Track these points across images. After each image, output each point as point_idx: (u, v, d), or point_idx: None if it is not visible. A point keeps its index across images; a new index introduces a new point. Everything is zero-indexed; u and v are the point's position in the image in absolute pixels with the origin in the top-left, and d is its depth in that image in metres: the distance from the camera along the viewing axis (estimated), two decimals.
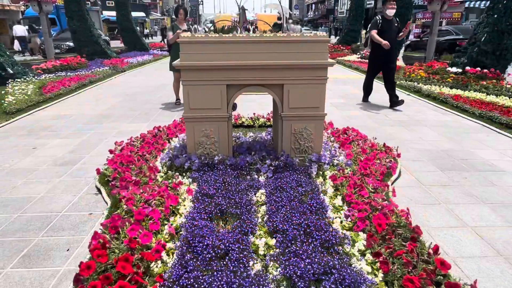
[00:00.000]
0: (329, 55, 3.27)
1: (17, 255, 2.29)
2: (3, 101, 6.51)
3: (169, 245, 2.19)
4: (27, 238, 2.47)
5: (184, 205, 2.68)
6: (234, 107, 5.92)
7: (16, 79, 8.50)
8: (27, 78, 8.72)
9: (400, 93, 7.82)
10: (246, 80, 3.16)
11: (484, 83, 7.47)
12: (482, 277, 2.08)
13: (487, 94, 6.83)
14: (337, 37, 21.42)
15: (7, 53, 9.12)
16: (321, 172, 3.25)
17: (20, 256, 2.27)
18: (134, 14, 22.68)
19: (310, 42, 3.06)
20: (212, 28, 3.70)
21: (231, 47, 3.03)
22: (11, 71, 8.73)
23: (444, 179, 3.41)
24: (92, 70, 10.59)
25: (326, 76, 3.18)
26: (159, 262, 2.04)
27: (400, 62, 12.22)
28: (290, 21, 17.54)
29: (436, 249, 2.06)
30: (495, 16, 8.05)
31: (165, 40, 6.51)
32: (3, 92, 7.39)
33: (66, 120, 5.60)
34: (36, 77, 9.12)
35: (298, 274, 1.84)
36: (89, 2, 25.01)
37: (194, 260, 1.96)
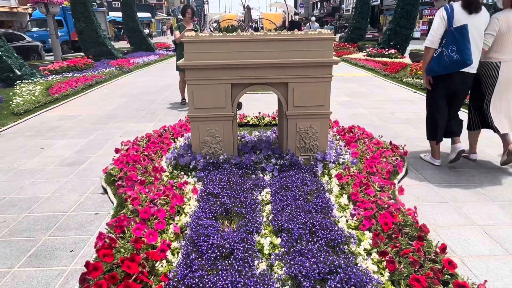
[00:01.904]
0: (334, 53, 3.25)
1: (24, 255, 2.31)
2: (11, 102, 6.58)
3: (174, 244, 2.19)
4: (34, 238, 2.49)
5: (189, 205, 2.68)
6: (240, 106, 5.92)
7: (23, 81, 8.59)
8: (35, 80, 8.81)
9: (407, 91, 7.78)
10: (251, 79, 3.15)
11: None
12: (490, 276, 2.05)
13: None
14: (343, 34, 21.44)
15: (15, 54, 9.22)
16: (326, 171, 3.24)
17: (27, 256, 2.30)
18: (140, 14, 22.79)
19: (315, 40, 3.04)
20: (217, 27, 3.70)
21: (235, 46, 3.03)
22: (19, 73, 8.82)
23: (452, 177, 3.37)
24: (99, 70, 10.66)
25: (331, 74, 3.16)
26: (164, 261, 2.04)
27: (406, 60, 12.12)
28: (313, 18, 17.40)
29: (443, 248, 2.04)
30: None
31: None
32: (11, 93, 7.47)
33: (73, 121, 5.64)
34: (43, 78, 9.20)
35: (303, 273, 1.83)
36: (95, 3, 25.18)
37: (199, 259, 1.96)
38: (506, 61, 3.27)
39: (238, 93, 3.21)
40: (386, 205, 2.48)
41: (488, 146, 4.17)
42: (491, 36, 3.23)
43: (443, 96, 3.41)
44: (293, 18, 16.81)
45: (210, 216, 2.43)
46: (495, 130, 3.42)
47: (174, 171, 3.29)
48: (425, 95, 3.68)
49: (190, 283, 1.78)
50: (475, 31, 3.14)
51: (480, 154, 3.92)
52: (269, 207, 2.66)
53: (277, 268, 1.98)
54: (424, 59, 3.39)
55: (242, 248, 2.04)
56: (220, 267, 1.90)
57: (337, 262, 1.88)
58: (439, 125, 3.48)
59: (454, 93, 3.39)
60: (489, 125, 3.46)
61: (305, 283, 1.79)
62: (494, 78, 3.31)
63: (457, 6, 3.15)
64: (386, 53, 13.12)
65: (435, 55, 3.26)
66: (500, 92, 3.34)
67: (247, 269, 1.88)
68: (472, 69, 3.24)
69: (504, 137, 3.44)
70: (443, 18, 3.16)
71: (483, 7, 3.17)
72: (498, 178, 3.33)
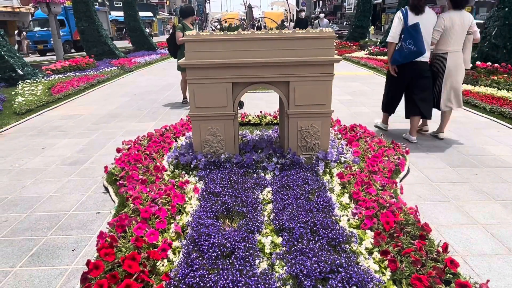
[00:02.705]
0: (336, 51, 3.24)
1: (26, 254, 2.31)
2: (13, 102, 6.60)
3: (175, 243, 2.19)
4: (36, 237, 2.50)
5: (191, 204, 2.68)
6: (241, 105, 5.91)
7: (26, 80, 8.61)
8: (37, 79, 8.83)
9: None
10: (252, 78, 3.15)
11: (495, 77, 7.33)
12: (493, 275, 2.04)
13: (498, 89, 6.70)
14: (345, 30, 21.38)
15: (17, 54, 9.24)
16: (328, 170, 3.23)
17: (29, 255, 2.30)
18: (142, 14, 22.79)
19: (316, 39, 3.03)
20: (218, 26, 3.70)
21: (236, 44, 3.02)
22: (21, 72, 8.85)
23: (454, 176, 3.36)
24: (100, 70, 10.68)
25: (333, 73, 3.15)
26: (165, 260, 2.04)
27: None
28: (322, 15, 17.28)
29: (445, 247, 2.03)
30: (506, 9, 7.89)
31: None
32: (13, 93, 7.49)
33: (74, 120, 5.65)
34: (45, 78, 9.22)
35: (305, 272, 1.82)
36: (97, 3, 25.21)
37: (200, 258, 1.96)
38: (451, 51, 4.09)
39: (239, 92, 3.20)
40: (387, 204, 2.47)
41: (490, 144, 4.16)
42: (438, 32, 4.04)
43: (403, 81, 4.25)
44: (299, 16, 16.58)
45: (211, 215, 2.42)
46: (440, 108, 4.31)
47: (175, 170, 3.29)
48: (389, 80, 4.50)
49: (191, 283, 1.78)
50: (423, 28, 3.92)
51: (482, 152, 3.91)
52: (270, 206, 2.66)
53: (278, 267, 1.98)
54: (388, 52, 4.25)
55: (243, 247, 2.04)
56: (221, 266, 1.90)
57: (338, 261, 1.88)
58: (393, 102, 4.56)
59: (413, 78, 4.17)
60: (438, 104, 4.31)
61: (306, 282, 1.78)
62: (443, 66, 4.13)
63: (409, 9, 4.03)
64: None
65: (396, 48, 4.08)
66: (449, 76, 4.14)
67: (248, 268, 1.88)
68: (425, 58, 4.05)
69: (444, 115, 4.38)
70: (400, 18, 4.03)
71: (427, 9, 4.03)
72: (500, 177, 3.31)
